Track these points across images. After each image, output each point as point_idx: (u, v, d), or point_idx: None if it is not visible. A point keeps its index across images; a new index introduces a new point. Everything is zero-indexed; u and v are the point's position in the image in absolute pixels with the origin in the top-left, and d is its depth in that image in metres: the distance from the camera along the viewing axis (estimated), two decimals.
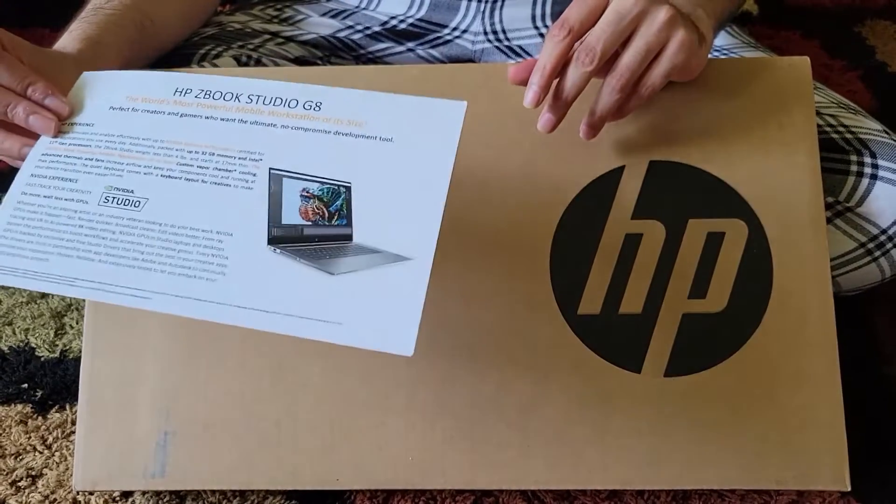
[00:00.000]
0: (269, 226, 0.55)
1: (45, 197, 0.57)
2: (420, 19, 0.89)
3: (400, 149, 0.56)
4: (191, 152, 0.56)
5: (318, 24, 0.89)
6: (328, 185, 0.55)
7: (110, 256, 0.54)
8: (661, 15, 0.58)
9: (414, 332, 0.49)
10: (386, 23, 0.89)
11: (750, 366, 0.64)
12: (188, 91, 0.59)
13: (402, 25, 0.89)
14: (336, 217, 0.54)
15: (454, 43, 0.89)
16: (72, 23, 0.68)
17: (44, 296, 0.88)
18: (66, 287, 0.53)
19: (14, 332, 0.84)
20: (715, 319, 0.65)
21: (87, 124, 0.59)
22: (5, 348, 0.82)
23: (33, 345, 0.82)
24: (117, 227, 0.55)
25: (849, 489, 0.63)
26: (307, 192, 0.55)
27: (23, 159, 0.58)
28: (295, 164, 0.56)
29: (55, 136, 0.58)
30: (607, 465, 0.63)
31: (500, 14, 0.88)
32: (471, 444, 0.64)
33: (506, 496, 0.66)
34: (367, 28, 0.89)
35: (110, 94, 0.60)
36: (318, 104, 0.57)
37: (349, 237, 0.54)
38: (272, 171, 0.56)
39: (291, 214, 0.55)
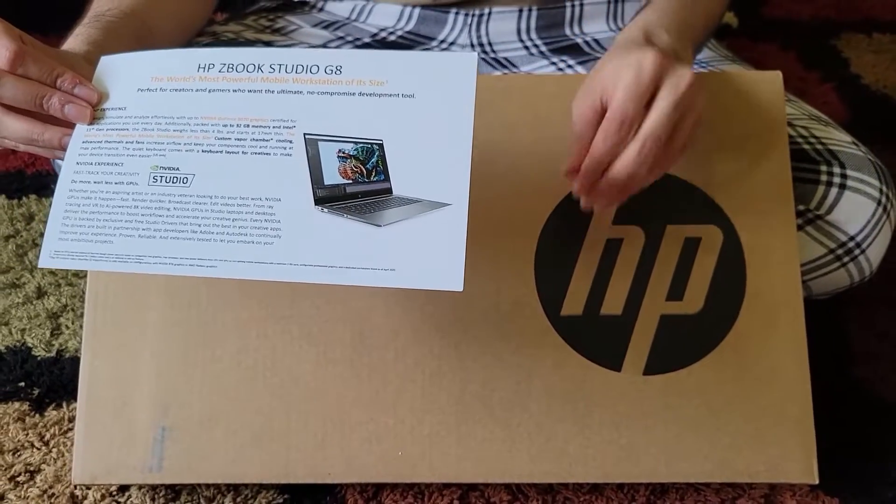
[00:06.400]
0: (313, 188, 0.57)
1: (95, 182, 0.59)
2: (409, 32, 0.91)
3: (422, 103, 0.59)
4: (226, 126, 0.59)
5: (309, 35, 0.91)
6: (362, 144, 0.58)
7: (170, 232, 0.57)
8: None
9: (461, 269, 0.54)
10: (376, 35, 0.91)
11: (724, 365, 0.67)
12: (211, 66, 0.60)
13: (392, 37, 0.91)
14: (374, 173, 0.57)
15: None
16: (75, 28, 0.71)
17: (40, 296, 0.90)
18: (135, 265, 0.56)
19: (11, 332, 0.86)
20: (691, 320, 0.68)
21: (119, 108, 0.61)
22: (2, 348, 0.84)
23: (30, 344, 0.84)
24: (171, 203, 0.57)
25: (817, 482, 0.66)
26: (343, 153, 0.58)
27: (63, 149, 0.60)
28: (327, 127, 0.58)
29: (91, 124, 0.60)
30: (588, 458, 0.66)
31: (487, 27, 0.91)
32: (457, 439, 0.66)
33: (491, 490, 0.68)
34: (358, 39, 0.91)
35: (134, 76, 0.62)
36: (339, 68, 0.60)
37: (389, 190, 0.57)
38: (307, 136, 0.58)
39: (332, 175, 0.58)
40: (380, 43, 0.91)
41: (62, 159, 0.60)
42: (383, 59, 0.61)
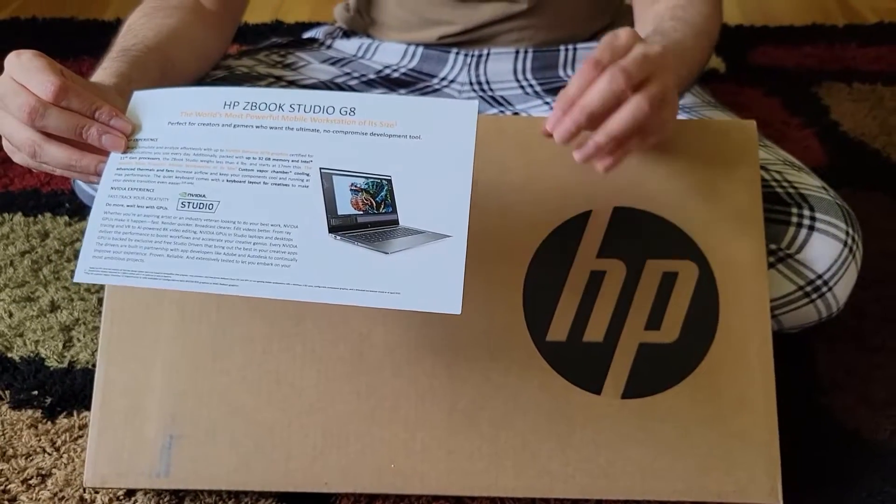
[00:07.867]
0: (327, 217, 0.63)
1: (128, 206, 0.64)
2: (412, 69, 0.97)
3: (428, 144, 0.64)
4: (249, 158, 0.64)
5: (318, 70, 0.96)
6: (372, 179, 0.63)
7: (196, 253, 0.62)
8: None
9: (460, 295, 0.59)
10: (381, 71, 0.97)
11: (697, 391, 0.71)
12: (236, 104, 0.66)
13: (396, 74, 0.97)
14: (382, 206, 0.63)
15: (442, 91, 0.97)
16: (102, 62, 0.76)
17: (53, 310, 0.94)
18: (164, 282, 0.61)
19: (25, 343, 0.90)
20: (667, 349, 0.72)
21: (151, 139, 0.66)
22: (17, 358, 0.88)
23: (43, 355, 0.88)
24: (197, 227, 0.63)
25: (780, 502, 0.70)
26: (355, 186, 0.63)
27: (99, 175, 0.65)
28: (341, 162, 0.64)
29: (124, 152, 0.65)
30: (568, 475, 0.70)
31: (485, 67, 0.96)
32: (446, 454, 0.71)
33: (477, 503, 0.73)
34: (363, 75, 0.96)
35: (165, 110, 0.67)
36: (352, 109, 0.65)
37: (396, 222, 0.63)
38: (322, 171, 0.64)
39: (345, 206, 0.63)
40: (384, 79, 0.96)
41: (97, 184, 0.65)
42: (393, 103, 0.67)
